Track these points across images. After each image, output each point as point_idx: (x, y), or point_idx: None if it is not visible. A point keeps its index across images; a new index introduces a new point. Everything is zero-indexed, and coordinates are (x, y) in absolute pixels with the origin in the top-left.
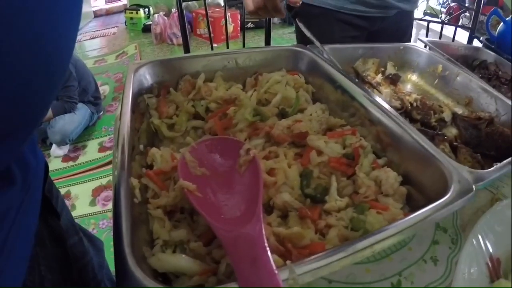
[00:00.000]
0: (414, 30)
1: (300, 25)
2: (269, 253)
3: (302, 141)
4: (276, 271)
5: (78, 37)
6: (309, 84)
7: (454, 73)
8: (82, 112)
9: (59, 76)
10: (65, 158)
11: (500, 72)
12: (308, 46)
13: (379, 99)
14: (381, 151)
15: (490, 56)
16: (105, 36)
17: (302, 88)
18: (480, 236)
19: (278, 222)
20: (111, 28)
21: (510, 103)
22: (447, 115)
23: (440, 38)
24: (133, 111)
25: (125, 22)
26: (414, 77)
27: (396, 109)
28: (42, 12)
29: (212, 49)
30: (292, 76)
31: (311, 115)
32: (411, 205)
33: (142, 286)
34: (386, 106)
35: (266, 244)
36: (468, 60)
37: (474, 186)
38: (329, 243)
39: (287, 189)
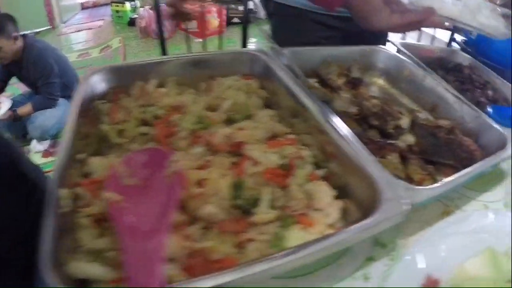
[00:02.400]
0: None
1: (264, 27)
2: (163, 267)
3: (240, 150)
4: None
5: (64, 30)
6: (264, 89)
7: (421, 77)
8: (63, 108)
9: None
10: (46, 154)
11: (474, 76)
12: (272, 48)
13: (326, 108)
14: (324, 162)
15: (465, 59)
16: (90, 29)
17: (255, 93)
18: (418, 254)
19: (200, 233)
20: (98, 20)
21: (475, 111)
22: (404, 122)
23: (433, 39)
24: (84, 116)
25: (112, 15)
26: (380, 81)
27: (354, 115)
28: None
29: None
30: (245, 81)
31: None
32: (349, 219)
33: None
34: (333, 115)
35: (163, 258)
36: (443, 63)
37: (405, 206)
38: (246, 258)
39: (216, 200)
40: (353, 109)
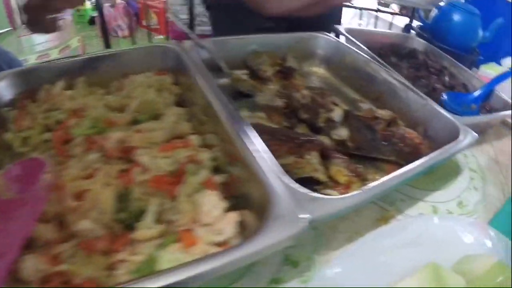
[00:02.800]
0: (364, 20)
1: (174, 18)
2: None
3: (131, 156)
4: None
5: (25, 31)
6: (178, 84)
7: (364, 64)
8: None
9: None
10: None
11: (429, 62)
12: (191, 39)
13: (233, 104)
14: (226, 166)
15: (420, 44)
16: None
17: (168, 90)
18: (339, 273)
19: (71, 252)
20: (59, 20)
21: (423, 98)
22: (337, 114)
23: (391, 26)
24: None
25: (72, 14)
26: (321, 70)
27: (282, 108)
28: None
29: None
30: (157, 77)
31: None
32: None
33: None
34: (238, 112)
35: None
36: (397, 49)
37: (301, 223)
38: (114, 283)
39: (96, 214)
40: (279, 102)
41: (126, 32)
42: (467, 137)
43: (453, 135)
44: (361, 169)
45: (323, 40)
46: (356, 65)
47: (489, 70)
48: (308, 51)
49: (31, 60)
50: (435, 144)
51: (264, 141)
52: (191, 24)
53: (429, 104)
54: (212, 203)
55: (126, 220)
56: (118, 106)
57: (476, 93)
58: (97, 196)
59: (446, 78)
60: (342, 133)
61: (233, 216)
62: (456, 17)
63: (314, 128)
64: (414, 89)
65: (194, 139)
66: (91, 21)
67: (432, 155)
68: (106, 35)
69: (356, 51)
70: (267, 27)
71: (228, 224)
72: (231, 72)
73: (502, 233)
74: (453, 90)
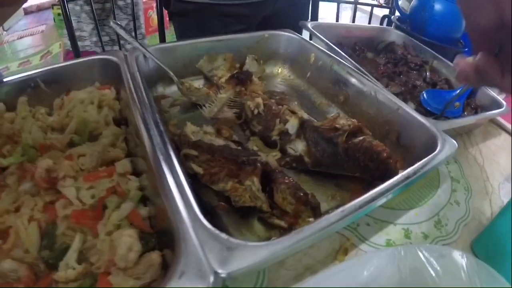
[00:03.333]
0: (349, 13)
1: (114, 25)
2: None
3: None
4: None
5: (7, 38)
6: (120, 100)
7: (328, 63)
8: None
9: None
10: None
11: (409, 56)
12: (142, 49)
13: (159, 124)
14: (153, 196)
15: (399, 37)
16: (33, 35)
17: (109, 106)
18: None
19: None
20: (40, 25)
21: (394, 102)
22: (291, 126)
23: (371, 18)
24: None
25: (54, 19)
26: (284, 70)
27: (233, 120)
28: None
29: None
30: (99, 92)
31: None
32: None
33: None
34: (164, 134)
35: None
36: (374, 44)
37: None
38: None
39: (20, 253)
40: (229, 113)
41: None
42: (445, 147)
43: (430, 144)
44: (308, 197)
45: (284, 38)
46: (321, 65)
47: None
48: (269, 51)
49: (12, 67)
50: (409, 155)
51: (203, 162)
52: (134, 32)
53: (402, 108)
54: (127, 245)
55: (51, 259)
56: (59, 127)
57: (460, 90)
58: (20, 233)
59: (427, 74)
60: (299, 147)
61: (155, 258)
62: (437, 6)
63: (268, 141)
64: (385, 90)
65: (121, 165)
66: None
67: (399, 176)
68: (74, 42)
69: (321, 49)
70: (237, 29)
71: (148, 266)
72: (181, 81)
73: (487, 257)
74: (435, 86)
